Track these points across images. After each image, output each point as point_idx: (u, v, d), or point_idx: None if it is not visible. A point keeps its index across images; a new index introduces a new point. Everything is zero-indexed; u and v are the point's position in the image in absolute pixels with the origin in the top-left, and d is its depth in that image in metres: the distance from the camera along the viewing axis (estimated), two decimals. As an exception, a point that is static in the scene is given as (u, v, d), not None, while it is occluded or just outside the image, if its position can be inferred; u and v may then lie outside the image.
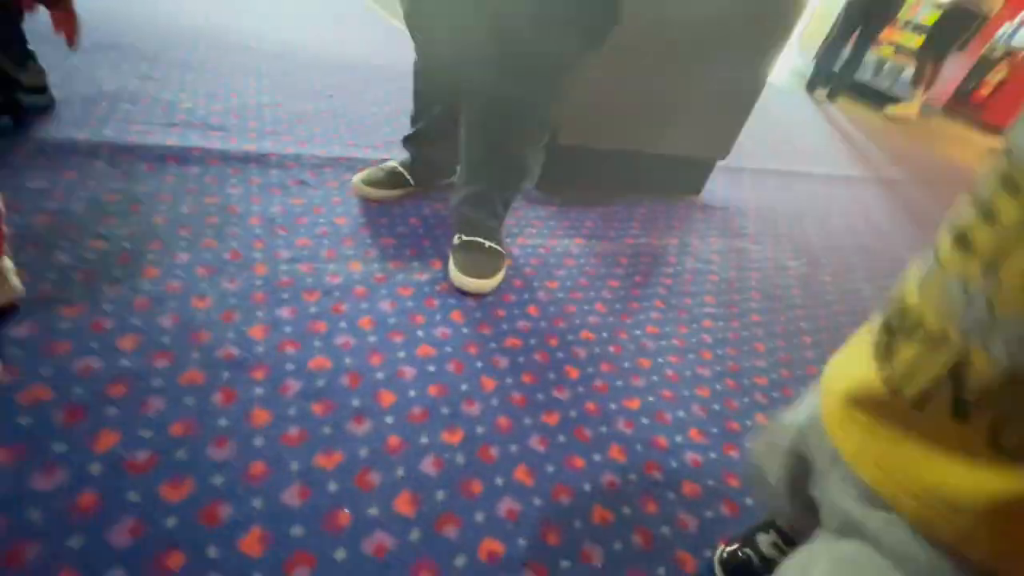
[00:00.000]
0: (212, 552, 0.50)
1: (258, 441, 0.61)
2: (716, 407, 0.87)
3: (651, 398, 0.84)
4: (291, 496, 0.57)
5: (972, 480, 0.28)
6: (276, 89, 1.47)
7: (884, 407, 0.32)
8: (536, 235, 1.18)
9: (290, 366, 0.70)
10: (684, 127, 1.43)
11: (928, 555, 0.29)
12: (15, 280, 0.66)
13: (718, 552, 0.63)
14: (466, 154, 0.97)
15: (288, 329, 0.76)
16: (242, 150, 1.13)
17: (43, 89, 1.06)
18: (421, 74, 1.06)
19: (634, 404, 0.82)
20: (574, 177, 1.40)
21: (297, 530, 0.54)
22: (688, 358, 0.95)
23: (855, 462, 0.33)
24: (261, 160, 1.12)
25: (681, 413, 0.83)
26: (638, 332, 0.98)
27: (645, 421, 0.80)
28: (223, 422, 0.61)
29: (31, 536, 0.48)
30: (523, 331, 0.89)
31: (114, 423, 0.58)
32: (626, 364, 0.89)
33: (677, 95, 1.35)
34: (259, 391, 0.66)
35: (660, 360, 0.93)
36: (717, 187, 1.68)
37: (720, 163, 1.60)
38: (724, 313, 1.11)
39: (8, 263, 0.66)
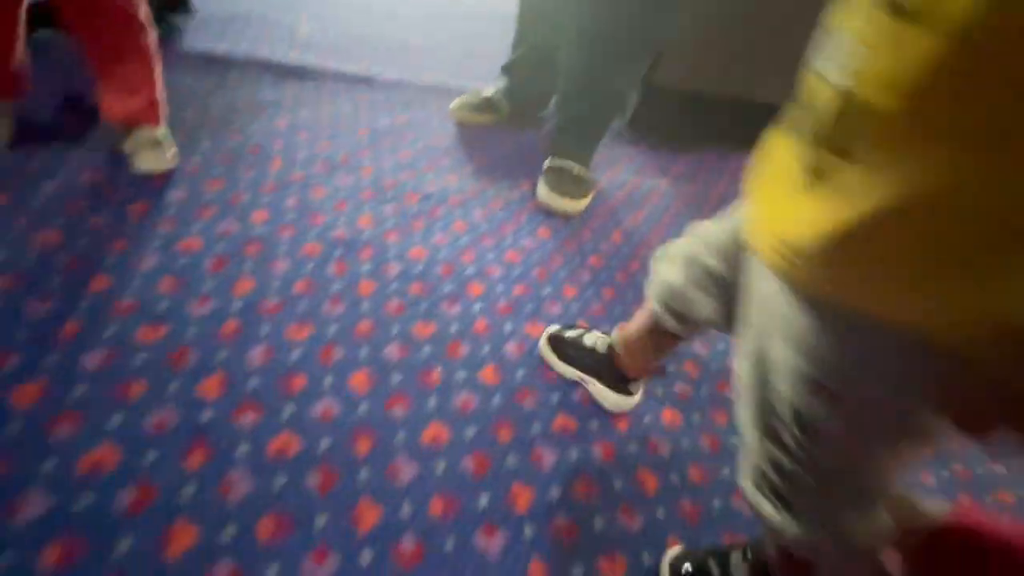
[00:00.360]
0: (327, 383, 0.58)
1: (365, 306, 0.68)
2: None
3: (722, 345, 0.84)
4: (391, 352, 0.63)
5: (806, 219, 0.28)
6: (388, 21, 1.54)
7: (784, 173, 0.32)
8: (623, 171, 1.17)
9: (392, 251, 0.77)
10: (788, 75, 1.34)
11: (792, 309, 0.31)
12: (173, 150, 0.78)
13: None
14: (564, 82, 0.98)
15: (391, 223, 0.82)
16: (354, 72, 1.21)
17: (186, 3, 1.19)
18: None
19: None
20: (667, 121, 1.36)
21: (396, 377, 0.61)
22: (772, 300, 0.93)
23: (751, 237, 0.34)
24: (370, 82, 1.19)
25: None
26: (721, 270, 0.96)
27: (721, 347, 0.80)
28: (336, 287, 0.69)
29: (187, 344, 0.57)
30: (606, 252, 0.91)
31: (250, 274, 0.67)
32: (707, 295, 0.89)
33: (791, 37, 1.27)
34: (366, 267, 0.73)
35: (742, 297, 0.91)
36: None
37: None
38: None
39: (166, 133, 0.77)
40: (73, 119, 0.82)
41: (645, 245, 0.96)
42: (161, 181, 0.77)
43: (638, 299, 0.83)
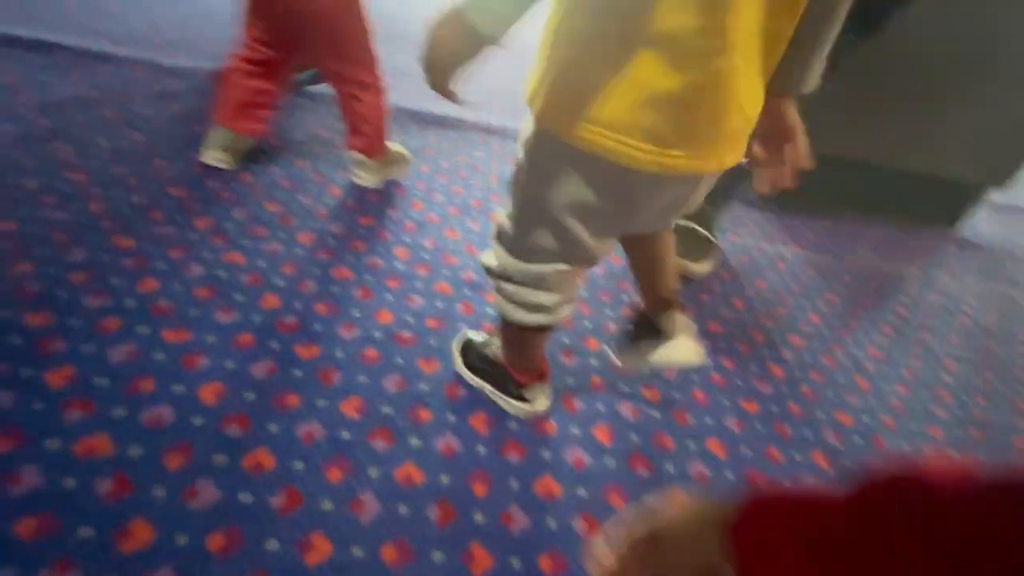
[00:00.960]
0: (451, 420, 0.61)
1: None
2: (952, 452, 0.74)
3: (867, 419, 0.76)
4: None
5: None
6: (521, 76, 1.65)
7: None
8: (749, 235, 1.13)
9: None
10: (944, 143, 1.22)
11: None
12: (380, 176, 0.95)
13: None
14: None
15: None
16: (489, 123, 1.31)
17: None
18: None
19: (846, 420, 0.75)
20: (799, 184, 1.30)
21: (511, 423, 0.62)
22: (920, 394, 0.83)
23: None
24: (504, 132, 1.28)
25: (905, 445, 0.74)
26: (858, 352, 0.88)
27: (858, 440, 0.72)
28: (463, 326, 0.73)
29: (336, 365, 0.64)
30: (726, 319, 0.88)
31: (390, 307, 0.74)
32: (840, 379, 0.82)
33: (942, 105, 1.16)
34: (489, 309, 0.77)
35: (883, 386, 0.83)
36: (983, 224, 1.40)
37: (992, 197, 1.34)
38: (975, 359, 0.94)
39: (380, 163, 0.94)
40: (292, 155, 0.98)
41: (769, 316, 0.91)
42: (326, 213, 0.88)
43: (761, 372, 0.79)
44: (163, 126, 1.00)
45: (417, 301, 0.76)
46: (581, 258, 0.49)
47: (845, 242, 1.20)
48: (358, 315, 0.71)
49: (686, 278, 0.93)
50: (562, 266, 0.49)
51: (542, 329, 0.54)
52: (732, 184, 0.97)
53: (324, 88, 1.30)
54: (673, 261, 0.61)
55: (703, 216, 0.99)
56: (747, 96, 0.40)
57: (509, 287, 0.51)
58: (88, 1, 1.51)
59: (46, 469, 0.48)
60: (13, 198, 0.75)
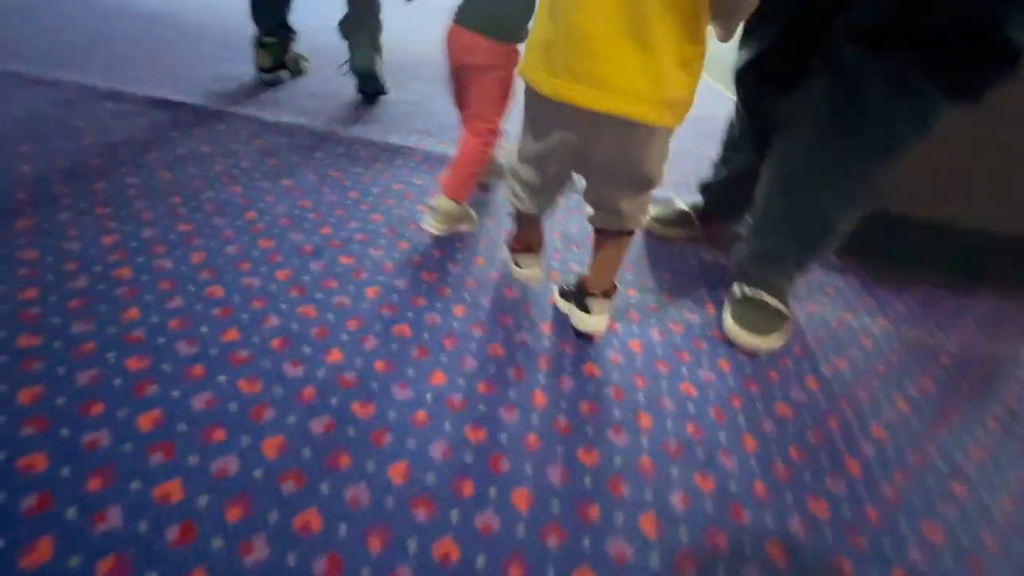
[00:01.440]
0: (492, 493, 0.61)
1: (535, 419, 0.71)
2: (1074, 589, 0.63)
3: (963, 536, 0.67)
4: (554, 474, 0.64)
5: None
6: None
7: None
8: (828, 304, 1.05)
9: (568, 364, 0.80)
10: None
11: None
12: (444, 226, 1.00)
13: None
14: (764, 204, 0.94)
15: (570, 333, 0.86)
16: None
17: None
18: (737, 121, 1.08)
19: (936, 536, 0.66)
20: (888, 247, 1.20)
21: (555, 504, 0.61)
22: (1033, 509, 0.72)
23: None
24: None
25: (1009, 573, 0.63)
26: (954, 452, 0.78)
27: (950, 562, 0.64)
28: (512, 393, 0.74)
29: (388, 425, 0.66)
30: (797, 402, 0.81)
31: (445, 368, 0.76)
32: (931, 483, 0.73)
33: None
34: (541, 376, 0.77)
35: (985, 496, 0.72)
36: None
37: None
38: (1109, 470, 0.80)
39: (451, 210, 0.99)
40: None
41: (849, 401, 0.83)
42: (392, 268, 0.93)
43: (834, 467, 0.72)
44: (259, 179, 1.11)
45: (470, 363, 0.77)
46: (543, 170, 0.74)
47: (943, 316, 1.08)
48: (413, 375, 0.74)
49: (751, 354, 0.88)
50: (531, 171, 0.74)
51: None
52: (805, 249, 0.92)
53: (402, 139, 1.39)
54: (606, 263, 0.83)
55: (773, 284, 0.93)
56: (608, 50, 0.56)
57: (509, 180, 0.79)
58: (206, 62, 1.73)
59: (127, 511, 0.53)
60: (130, 247, 0.86)
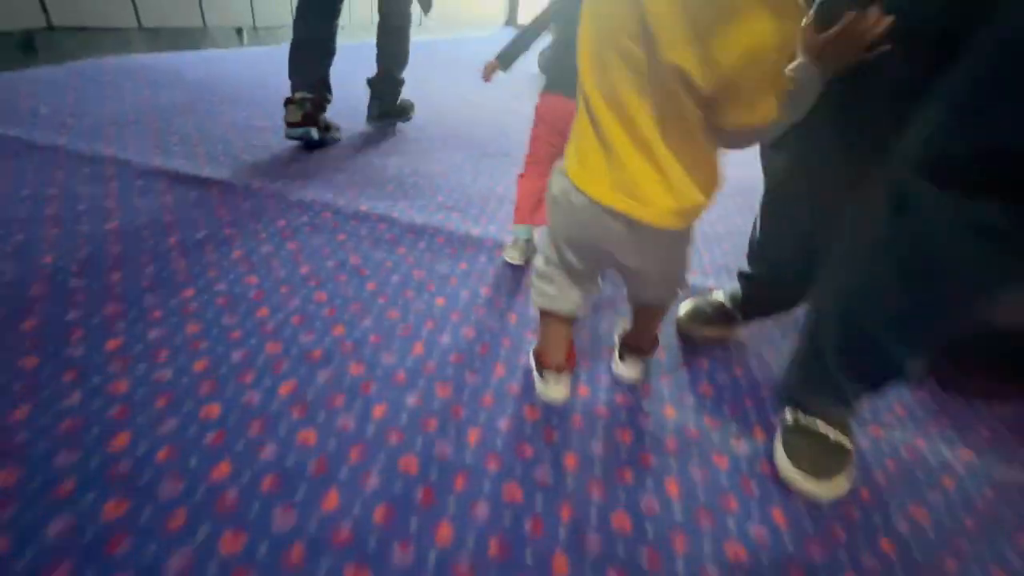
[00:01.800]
0: None
1: (554, 592, 0.61)
2: None
3: None
4: None
5: None
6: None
7: None
8: (897, 426, 0.92)
9: (594, 514, 0.69)
10: None
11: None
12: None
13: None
14: (814, 328, 0.82)
15: (597, 468, 0.76)
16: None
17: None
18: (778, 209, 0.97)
19: None
20: (968, 354, 1.05)
21: None
22: None
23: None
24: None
25: None
26: (1076, 650, 0.63)
27: None
28: (529, 558, 0.64)
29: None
30: (870, 569, 0.68)
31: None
32: None
33: None
34: (560, 532, 0.67)
35: None
36: None
37: None
38: None
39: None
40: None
41: (933, 571, 0.69)
42: (434, 325, 0.86)
43: None
44: (277, 268, 1.08)
45: (482, 512, 0.68)
46: (568, 269, 0.74)
47: (1039, 444, 0.93)
48: (415, 528, 0.65)
49: (814, 504, 0.75)
50: (557, 271, 0.76)
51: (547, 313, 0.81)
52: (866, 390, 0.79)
53: (427, 217, 1.35)
54: (645, 330, 0.89)
55: (832, 412, 0.81)
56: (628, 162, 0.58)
57: (533, 278, 0.80)
58: (240, 132, 1.75)
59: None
60: (134, 352, 0.82)
